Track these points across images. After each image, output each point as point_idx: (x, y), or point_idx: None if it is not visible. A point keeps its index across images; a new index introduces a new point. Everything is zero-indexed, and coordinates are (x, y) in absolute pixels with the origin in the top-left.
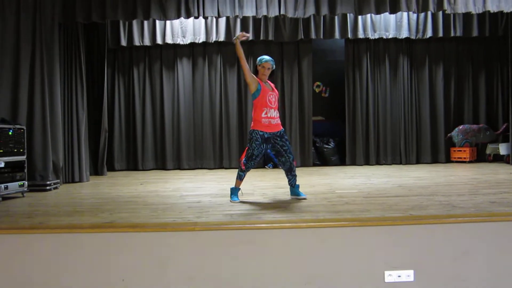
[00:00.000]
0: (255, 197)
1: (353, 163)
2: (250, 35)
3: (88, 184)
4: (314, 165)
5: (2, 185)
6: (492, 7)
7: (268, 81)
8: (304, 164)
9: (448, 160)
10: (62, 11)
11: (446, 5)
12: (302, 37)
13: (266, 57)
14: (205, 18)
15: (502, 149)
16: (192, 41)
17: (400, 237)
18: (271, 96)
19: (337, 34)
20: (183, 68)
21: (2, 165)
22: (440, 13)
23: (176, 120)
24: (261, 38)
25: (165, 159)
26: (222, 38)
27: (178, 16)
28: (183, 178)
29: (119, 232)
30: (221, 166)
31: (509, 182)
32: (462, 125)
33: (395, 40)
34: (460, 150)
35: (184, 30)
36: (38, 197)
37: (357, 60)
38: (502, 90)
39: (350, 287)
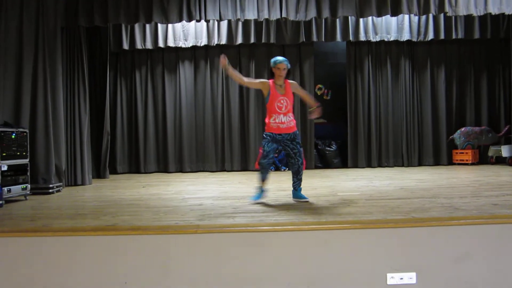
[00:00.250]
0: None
1: (355, 165)
2: (225, 59)
3: (91, 187)
4: (316, 167)
5: (5, 188)
6: (493, 9)
7: (286, 82)
8: (306, 166)
9: (450, 162)
10: (65, 15)
11: (447, 7)
12: (304, 39)
13: (280, 58)
14: (207, 21)
15: (505, 151)
16: (194, 44)
17: (402, 240)
18: (281, 102)
19: (338, 37)
20: (185, 71)
21: (5, 168)
22: (442, 15)
23: (178, 123)
24: (263, 41)
25: (167, 162)
26: (224, 41)
27: (180, 20)
28: (185, 181)
29: (121, 235)
30: (223, 169)
31: (511, 184)
32: (464, 127)
33: (396, 42)
34: (462, 152)
35: (186, 33)
36: (41, 200)
37: (359, 62)
38: (504, 92)
39: None
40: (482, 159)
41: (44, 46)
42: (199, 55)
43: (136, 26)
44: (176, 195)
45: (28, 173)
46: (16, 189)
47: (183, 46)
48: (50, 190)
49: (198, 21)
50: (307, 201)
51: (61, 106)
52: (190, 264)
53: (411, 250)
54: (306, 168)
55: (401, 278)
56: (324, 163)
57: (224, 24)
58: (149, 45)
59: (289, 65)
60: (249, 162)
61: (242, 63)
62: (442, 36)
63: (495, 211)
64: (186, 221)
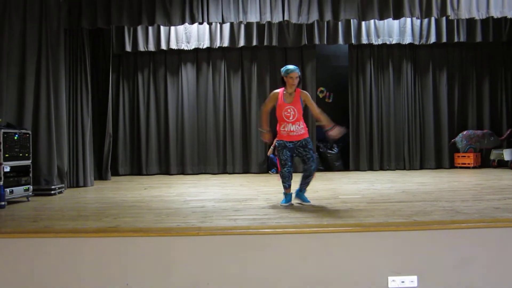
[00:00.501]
0: (258, 202)
1: (357, 168)
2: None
3: (93, 188)
4: (318, 170)
5: (8, 190)
6: (495, 13)
7: (297, 90)
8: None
9: (452, 165)
10: (68, 17)
11: (449, 11)
12: (306, 42)
13: (291, 67)
14: (210, 24)
15: (507, 154)
16: (196, 46)
17: (404, 243)
18: (288, 111)
19: (340, 40)
20: (187, 73)
21: (8, 169)
22: (444, 18)
23: (180, 125)
24: (265, 43)
25: (169, 164)
26: (226, 43)
27: (183, 22)
28: (187, 183)
29: (123, 236)
30: (224, 171)
31: None
32: (466, 131)
33: (398, 45)
34: (464, 156)
35: (188, 35)
36: (43, 201)
37: (361, 65)
38: (506, 95)
39: None
40: (484, 162)
41: (47, 48)
42: (202, 57)
43: (139, 29)
44: (178, 197)
45: (31, 175)
46: (19, 190)
47: (186, 48)
48: (52, 192)
49: (200, 23)
50: (310, 204)
51: (64, 108)
52: (191, 266)
53: (413, 253)
54: None
55: (403, 281)
56: (325, 166)
57: (226, 27)
58: (151, 47)
59: (299, 73)
60: (251, 164)
61: (244, 66)
62: (444, 40)
63: (497, 214)
64: (187, 223)
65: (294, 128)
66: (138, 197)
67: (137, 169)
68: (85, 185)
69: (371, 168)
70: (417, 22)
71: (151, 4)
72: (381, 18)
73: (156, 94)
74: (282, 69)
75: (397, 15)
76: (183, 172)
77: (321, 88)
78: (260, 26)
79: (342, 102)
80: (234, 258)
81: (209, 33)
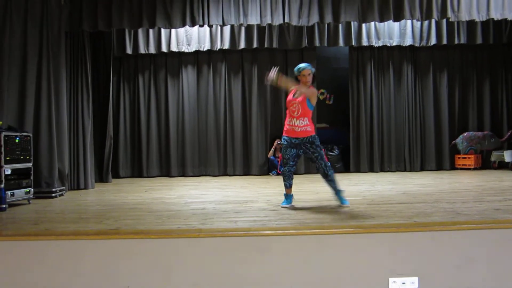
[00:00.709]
0: (259, 204)
1: (358, 170)
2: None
3: (93, 191)
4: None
5: (9, 192)
6: (495, 15)
7: (310, 87)
8: (308, 171)
9: (452, 167)
10: (69, 20)
11: (450, 13)
12: (306, 44)
13: (303, 65)
14: (210, 26)
15: (507, 156)
16: (197, 49)
17: (405, 244)
18: (294, 106)
19: (341, 42)
20: (188, 75)
21: (9, 172)
22: (444, 20)
23: (181, 128)
24: (266, 46)
25: (170, 166)
26: (226, 46)
27: (183, 25)
28: (187, 185)
29: (124, 239)
30: (225, 173)
31: None
32: (466, 132)
33: (399, 47)
34: (465, 157)
35: (189, 38)
36: (44, 204)
37: (361, 67)
38: (507, 97)
39: None
40: (485, 164)
41: (48, 51)
42: (202, 59)
43: (140, 31)
44: (178, 199)
45: (32, 177)
46: (20, 193)
47: (186, 51)
48: (53, 194)
49: (201, 26)
50: (347, 206)
51: (65, 111)
52: (192, 268)
53: (413, 255)
54: (308, 173)
55: (403, 283)
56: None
57: (227, 29)
58: (152, 50)
59: (313, 69)
60: (251, 166)
61: (245, 68)
62: (444, 41)
63: (498, 216)
64: (188, 225)
65: (299, 123)
66: (139, 199)
67: (137, 171)
68: (86, 188)
69: (371, 169)
70: (417, 24)
71: (152, 7)
72: (382, 20)
73: (156, 96)
74: (295, 68)
75: (398, 17)
76: (183, 174)
77: (322, 90)
78: (260, 28)
79: (343, 104)
80: (234, 260)
81: (210, 36)
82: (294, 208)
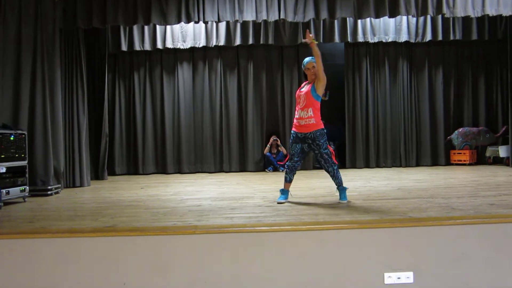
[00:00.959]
0: (255, 200)
1: (353, 166)
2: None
3: (89, 188)
4: (314, 168)
5: (4, 190)
6: (491, 11)
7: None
8: (304, 167)
9: (448, 162)
10: (63, 17)
11: (445, 9)
12: (302, 41)
13: (307, 59)
14: (205, 22)
15: (502, 151)
16: (193, 45)
17: (400, 239)
18: (300, 97)
19: (336, 38)
20: (184, 72)
21: (4, 170)
22: (440, 16)
23: (177, 124)
24: (261, 42)
25: (166, 163)
26: (222, 42)
27: (179, 21)
28: (183, 182)
29: (120, 236)
30: (221, 170)
31: (509, 184)
32: (462, 128)
33: (394, 43)
34: (460, 153)
35: (184, 34)
36: (39, 202)
37: (357, 63)
38: (502, 92)
39: None
40: (480, 159)
41: (42, 48)
42: (198, 56)
43: (135, 28)
44: (174, 196)
45: (27, 175)
46: (15, 191)
47: (182, 47)
48: (49, 192)
49: (196, 22)
50: (345, 203)
51: (60, 108)
52: (188, 264)
53: (409, 250)
54: (304, 169)
55: (399, 278)
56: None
57: (222, 26)
58: (147, 47)
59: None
60: (247, 163)
61: (241, 64)
62: (440, 37)
63: (492, 211)
64: (184, 222)
65: (303, 114)
66: (134, 197)
67: (133, 169)
68: (81, 185)
69: (367, 165)
70: (413, 20)
71: (147, 3)
72: (377, 16)
73: (152, 93)
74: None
75: (393, 13)
76: (179, 171)
77: None
78: (256, 24)
79: (339, 100)
80: (230, 256)
81: (205, 32)
82: (290, 204)
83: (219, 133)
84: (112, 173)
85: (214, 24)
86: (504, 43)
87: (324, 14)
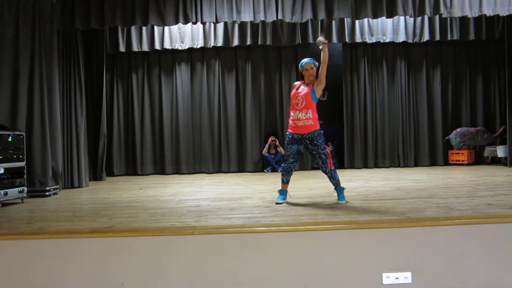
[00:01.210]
0: (253, 200)
1: (352, 166)
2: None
3: (88, 189)
4: (313, 168)
5: (2, 191)
6: (488, 11)
7: (313, 82)
8: (302, 167)
9: (446, 162)
10: (61, 18)
11: (442, 9)
12: (300, 41)
13: (305, 60)
14: (203, 23)
15: (500, 151)
16: (191, 46)
17: (398, 240)
18: (298, 99)
19: (334, 38)
20: (182, 73)
21: (2, 171)
22: (437, 17)
23: (175, 125)
24: (259, 42)
25: (164, 164)
26: (220, 43)
27: (176, 22)
28: (182, 182)
29: (118, 236)
30: (219, 170)
31: (507, 184)
32: (460, 128)
33: (392, 44)
34: (458, 153)
35: (182, 35)
36: (38, 202)
37: (355, 64)
38: (500, 92)
39: None
40: (478, 159)
41: (40, 49)
42: (196, 57)
43: (133, 29)
44: (173, 197)
45: (25, 176)
46: (13, 192)
47: (180, 48)
48: (47, 193)
49: (194, 23)
50: (342, 203)
51: (58, 109)
52: (187, 265)
53: (407, 250)
54: (303, 169)
55: (397, 278)
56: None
57: (220, 26)
58: (145, 48)
59: (316, 63)
60: (246, 163)
61: (239, 65)
62: (437, 37)
63: (490, 211)
64: (183, 222)
65: (302, 115)
66: (133, 197)
67: (132, 169)
68: (80, 186)
69: (365, 165)
70: (410, 20)
71: (145, 4)
72: (375, 16)
73: (150, 94)
74: (299, 64)
75: (391, 14)
76: (178, 172)
77: None
78: (254, 25)
79: (337, 101)
80: (229, 257)
81: (203, 33)
82: (288, 205)
83: (217, 134)
84: (111, 173)
85: (212, 25)
86: (501, 43)
87: (322, 15)
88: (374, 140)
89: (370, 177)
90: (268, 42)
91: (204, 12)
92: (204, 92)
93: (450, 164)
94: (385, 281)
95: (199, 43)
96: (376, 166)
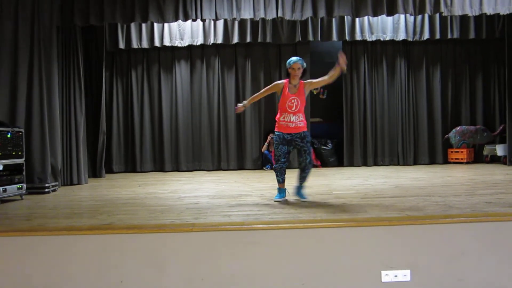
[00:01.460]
0: (252, 198)
1: (351, 164)
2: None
3: (87, 186)
4: (313, 166)
5: (1, 188)
6: (488, 10)
7: (300, 82)
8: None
9: (445, 161)
10: (60, 14)
11: (442, 7)
12: (300, 39)
13: (294, 58)
14: (203, 20)
15: (499, 150)
16: (190, 43)
17: (397, 237)
18: (292, 101)
19: (334, 36)
20: (181, 70)
21: (1, 168)
22: (437, 15)
23: (174, 122)
24: (259, 40)
25: (163, 161)
26: (220, 40)
27: (176, 19)
28: (181, 179)
29: (117, 233)
30: (219, 168)
31: (506, 182)
32: (459, 126)
33: (392, 42)
34: (458, 151)
35: (182, 32)
36: (37, 199)
37: (355, 62)
38: (499, 91)
39: (347, 287)
40: (477, 158)
41: (39, 46)
42: (195, 54)
43: (132, 26)
44: (172, 194)
45: (24, 173)
46: (12, 188)
47: (179, 45)
48: (46, 190)
49: (194, 20)
50: (305, 200)
51: (57, 106)
52: (186, 262)
53: (406, 248)
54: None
55: (396, 276)
56: (320, 161)
57: (220, 24)
58: (145, 45)
59: (304, 64)
60: (245, 161)
61: (238, 62)
62: (437, 36)
63: (489, 209)
64: (182, 219)
65: (294, 118)
66: (132, 194)
67: (131, 167)
68: (79, 183)
69: (365, 163)
70: (410, 18)
71: (144, 1)
72: (375, 14)
73: (150, 91)
74: (287, 61)
75: (391, 12)
76: (177, 169)
77: None
78: (254, 22)
79: (336, 99)
80: (228, 254)
81: (203, 30)
82: (288, 202)
83: (217, 131)
84: (110, 171)
85: (212, 22)
86: (501, 41)
87: (322, 12)
88: (373, 138)
89: (369, 175)
90: (268, 39)
91: (204, 9)
92: (204, 89)
93: (450, 163)
94: (384, 278)
95: (199, 40)
96: (376, 164)
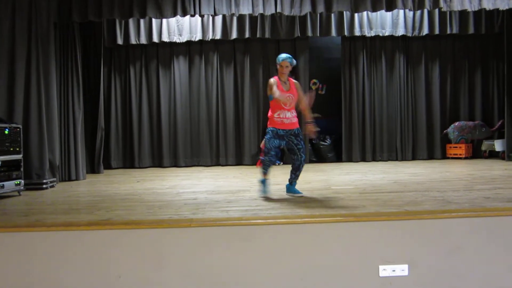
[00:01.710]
0: (251, 193)
1: (350, 159)
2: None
3: (85, 182)
4: (311, 161)
5: None
6: (487, 5)
7: (289, 79)
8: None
9: (444, 156)
10: (58, 10)
11: (442, 3)
12: (299, 34)
13: (283, 56)
14: (202, 16)
15: (498, 145)
16: (189, 39)
17: (395, 232)
18: (287, 99)
19: (333, 32)
20: (180, 66)
21: None
22: (436, 10)
23: (173, 118)
24: (258, 35)
25: (162, 157)
26: (218, 36)
27: (175, 14)
28: (179, 175)
29: (115, 229)
30: (217, 163)
31: (504, 178)
32: (458, 122)
33: (391, 37)
34: (456, 147)
35: (180, 28)
36: (35, 195)
37: (354, 57)
38: (498, 87)
39: (345, 282)
40: (476, 153)
41: (37, 42)
42: (194, 50)
43: (130, 21)
44: (170, 190)
45: (22, 169)
46: (10, 184)
47: (178, 41)
48: (44, 186)
49: (192, 16)
50: (302, 196)
51: (55, 102)
52: (184, 257)
53: (404, 243)
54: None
55: (393, 270)
56: (318, 157)
57: (218, 19)
58: (143, 40)
59: (294, 62)
60: (244, 156)
61: (237, 58)
62: (436, 31)
63: (487, 204)
64: (180, 215)
65: (289, 114)
66: (130, 190)
67: (129, 162)
68: (77, 179)
69: (363, 159)
70: (410, 14)
71: None
72: (374, 10)
73: (148, 87)
74: (277, 57)
75: (390, 7)
76: (176, 165)
77: (314, 80)
78: (252, 18)
79: (335, 94)
80: (226, 249)
81: (201, 26)
82: (285, 198)
83: (215, 127)
84: (108, 166)
85: (210, 17)
86: (500, 37)
87: (320, 8)
88: (372, 134)
89: (368, 170)
90: (267, 35)
91: (202, 4)
92: (202, 85)
93: (448, 158)
94: (382, 273)
95: (197, 36)
96: (374, 159)
